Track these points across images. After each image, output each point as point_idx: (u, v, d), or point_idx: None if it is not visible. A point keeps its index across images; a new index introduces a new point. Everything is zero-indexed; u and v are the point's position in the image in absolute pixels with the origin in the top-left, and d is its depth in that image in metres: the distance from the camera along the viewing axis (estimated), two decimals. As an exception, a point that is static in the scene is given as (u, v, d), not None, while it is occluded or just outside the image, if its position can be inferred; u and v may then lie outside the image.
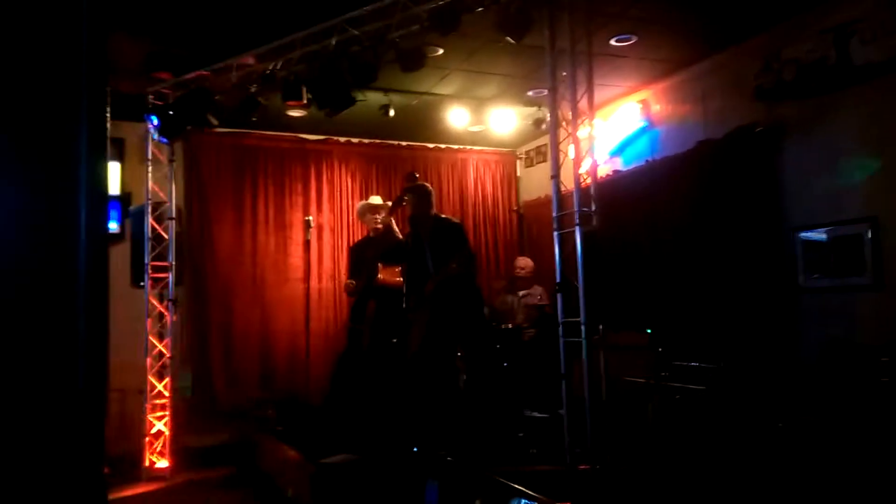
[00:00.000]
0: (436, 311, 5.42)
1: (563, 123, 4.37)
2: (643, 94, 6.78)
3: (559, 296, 4.23)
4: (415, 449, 4.99)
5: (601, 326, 4.03)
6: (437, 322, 5.42)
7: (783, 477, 3.98)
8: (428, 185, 6.08)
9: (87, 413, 1.49)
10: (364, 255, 6.40)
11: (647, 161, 6.61)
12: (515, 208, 8.76)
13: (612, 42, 5.54)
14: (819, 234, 5.11)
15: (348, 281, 6.66)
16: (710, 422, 4.53)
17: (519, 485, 3.79)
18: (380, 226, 6.47)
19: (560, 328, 4.22)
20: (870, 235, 4.73)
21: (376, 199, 6.86)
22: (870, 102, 4.76)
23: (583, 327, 4.01)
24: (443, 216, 5.92)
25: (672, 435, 4.68)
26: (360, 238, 7.57)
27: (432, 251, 5.49)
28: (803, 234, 5.21)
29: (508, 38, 4.37)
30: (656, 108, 6.68)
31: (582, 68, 4.23)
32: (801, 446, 4.04)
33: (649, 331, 5.49)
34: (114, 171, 6.73)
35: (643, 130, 6.79)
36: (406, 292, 5.46)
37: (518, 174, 8.89)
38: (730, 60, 5.83)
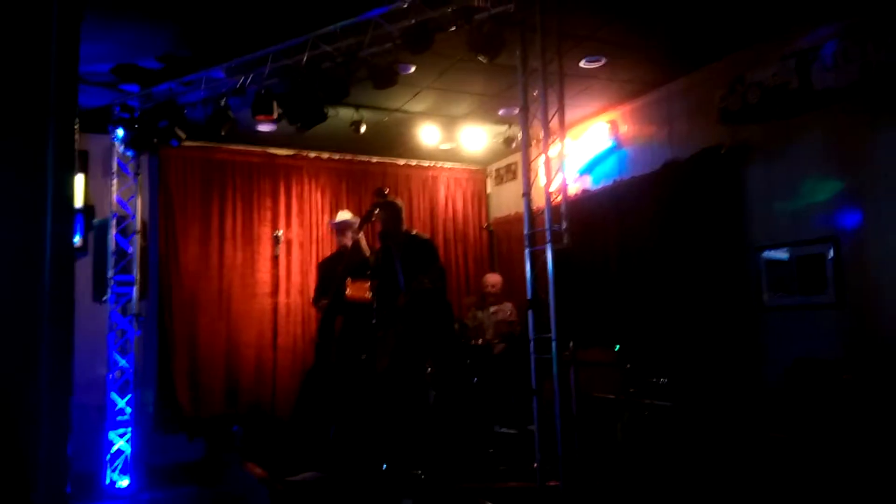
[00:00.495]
0: (407, 325, 5.40)
1: (534, 142, 4.42)
2: (612, 114, 6.90)
3: (530, 312, 4.25)
4: (384, 466, 4.94)
5: (571, 343, 4.05)
6: (407, 337, 5.40)
7: (750, 493, 4.04)
8: (399, 201, 6.08)
9: (51, 431, 1.45)
10: (333, 271, 6.36)
11: (614, 181, 6.71)
12: (485, 225, 8.80)
13: (582, 64, 5.63)
14: (782, 253, 5.23)
15: (319, 302, 6.61)
16: (677, 438, 4.58)
17: (490, 502, 3.78)
18: (349, 241, 6.45)
19: (531, 344, 4.24)
20: (832, 254, 4.85)
21: (346, 215, 6.83)
22: (831, 126, 4.91)
23: (553, 343, 4.03)
24: (413, 232, 5.93)
25: (641, 451, 4.71)
26: (329, 254, 7.54)
27: (403, 267, 5.48)
28: (767, 254, 5.32)
29: (481, 58, 4.41)
30: (624, 128, 6.80)
31: (553, 88, 4.28)
32: (767, 462, 4.10)
33: (617, 347, 5.55)
34: (77, 183, 6.61)
35: (611, 150, 6.89)
36: (376, 308, 5.43)
37: (488, 191, 8.94)
38: (696, 83, 5.96)
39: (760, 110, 5.25)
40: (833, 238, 4.86)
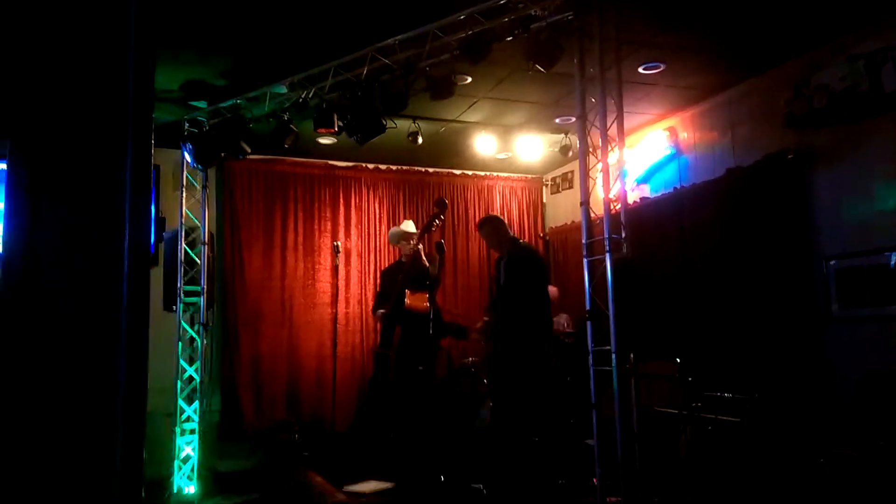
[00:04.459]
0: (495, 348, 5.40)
1: (592, 150, 4.38)
2: (670, 121, 6.78)
3: (588, 324, 4.19)
4: (441, 478, 4.95)
5: (632, 355, 3.98)
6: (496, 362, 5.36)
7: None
8: (495, 214, 6.17)
9: (127, 436, 1.51)
10: (394, 281, 6.43)
11: (675, 188, 6.58)
12: (542, 235, 8.76)
13: (640, 70, 5.57)
14: (852, 263, 5.03)
15: (382, 311, 6.68)
16: (744, 454, 4.43)
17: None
18: (409, 252, 6.51)
19: (590, 357, 4.18)
20: (906, 264, 4.64)
21: (408, 226, 6.89)
22: (903, 130, 4.71)
23: (613, 356, 3.97)
24: (522, 243, 5.67)
25: (705, 467, 4.58)
26: (387, 263, 7.62)
27: (503, 282, 5.33)
28: (836, 263, 5.12)
29: (538, 67, 4.40)
30: (684, 135, 6.67)
31: (611, 95, 4.24)
32: (839, 481, 3.93)
33: (679, 360, 5.42)
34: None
35: (670, 158, 6.77)
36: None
37: (544, 200, 8.90)
38: (758, 88, 5.81)
39: (828, 114, 5.07)
40: (908, 246, 4.66)
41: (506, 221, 5.71)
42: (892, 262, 4.73)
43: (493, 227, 5.50)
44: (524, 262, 5.16)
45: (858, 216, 4.99)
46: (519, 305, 5.04)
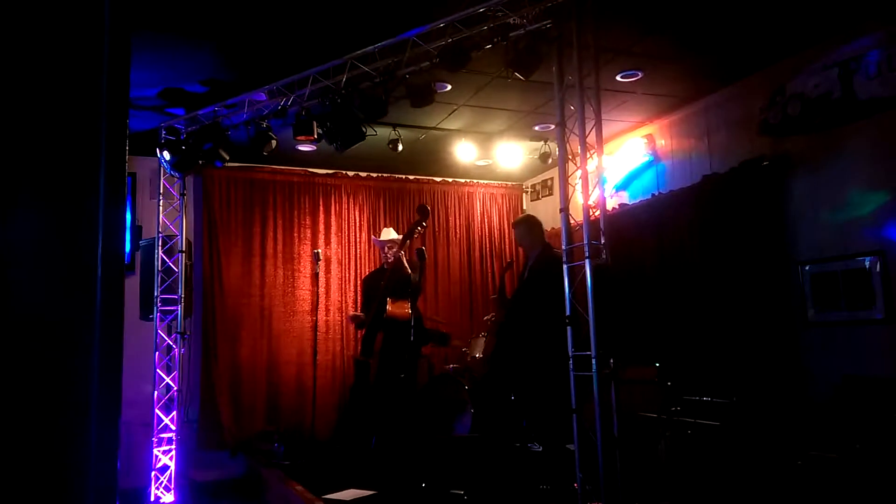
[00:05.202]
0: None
1: (571, 156, 4.40)
2: (648, 128, 6.85)
3: (569, 329, 4.21)
4: (423, 485, 4.93)
5: (612, 360, 4.00)
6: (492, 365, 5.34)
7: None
8: (529, 215, 6.15)
9: (101, 446, 1.49)
10: (376, 286, 6.41)
11: (652, 195, 6.65)
12: (522, 241, 8.78)
13: (619, 78, 5.62)
14: (827, 268, 5.10)
15: (355, 313, 6.67)
16: (723, 457, 4.47)
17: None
18: (391, 258, 6.51)
19: (570, 362, 4.19)
20: (879, 268, 4.72)
21: (390, 233, 6.87)
22: (876, 136, 4.80)
23: (594, 361, 3.98)
24: (550, 251, 5.41)
25: (685, 470, 4.61)
26: (370, 270, 7.61)
27: (522, 289, 5.33)
28: (811, 268, 5.20)
29: (517, 75, 4.43)
30: (661, 142, 6.74)
31: (590, 102, 4.27)
32: (817, 484, 3.98)
33: (658, 364, 5.46)
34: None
35: (648, 164, 6.84)
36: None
37: (524, 207, 8.94)
38: (734, 96, 5.89)
39: (802, 121, 5.15)
40: (880, 251, 4.74)
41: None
42: (866, 268, 4.81)
43: (528, 227, 5.53)
44: (545, 272, 5.10)
45: (833, 222, 5.07)
46: (528, 313, 5.06)
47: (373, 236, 7.74)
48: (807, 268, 5.23)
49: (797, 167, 5.34)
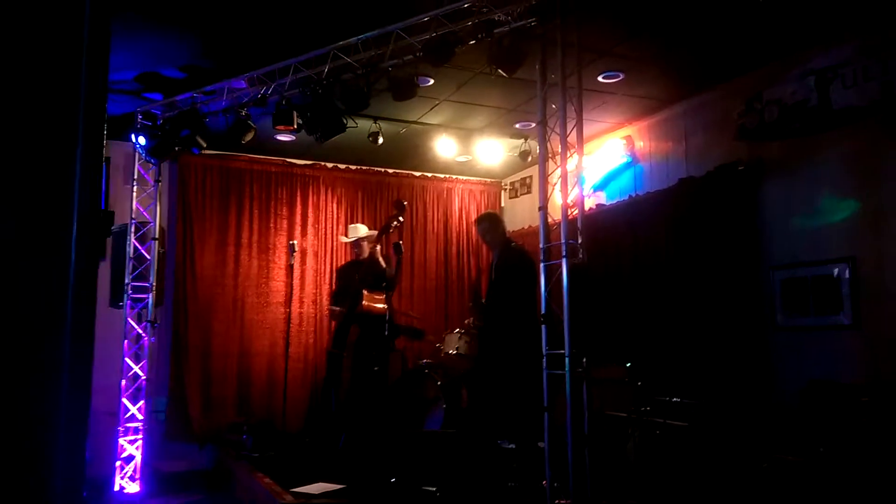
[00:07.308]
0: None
1: (551, 155, 4.42)
2: (627, 130, 6.89)
3: (543, 327, 4.22)
4: (392, 480, 4.92)
5: (585, 359, 4.02)
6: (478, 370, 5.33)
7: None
8: (492, 211, 6.00)
9: (69, 434, 1.46)
10: (350, 280, 6.37)
11: (630, 196, 6.70)
12: (499, 238, 8.79)
13: (600, 78, 5.65)
14: (798, 273, 5.18)
15: (332, 307, 6.61)
16: (691, 458, 4.53)
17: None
18: (365, 253, 6.47)
19: (544, 360, 4.21)
20: (848, 275, 4.81)
21: (361, 230, 6.78)
22: (850, 145, 4.88)
23: (567, 360, 4.00)
24: (512, 245, 5.35)
25: (653, 470, 4.66)
26: (344, 262, 7.55)
27: (491, 287, 5.26)
28: (782, 273, 5.28)
29: (500, 72, 4.43)
30: (640, 144, 6.79)
31: (572, 102, 4.28)
32: (781, 486, 4.05)
33: (629, 364, 5.50)
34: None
35: (627, 166, 6.89)
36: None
37: (502, 204, 8.95)
38: (713, 100, 5.95)
39: (778, 128, 5.22)
40: (850, 258, 4.82)
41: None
42: (835, 274, 4.90)
43: (491, 223, 5.48)
44: (514, 267, 5.08)
45: (805, 228, 5.15)
46: (505, 311, 5.03)
47: (340, 237, 7.64)
48: (778, 272, 5.30)
49: (772, 173, 5.42)
